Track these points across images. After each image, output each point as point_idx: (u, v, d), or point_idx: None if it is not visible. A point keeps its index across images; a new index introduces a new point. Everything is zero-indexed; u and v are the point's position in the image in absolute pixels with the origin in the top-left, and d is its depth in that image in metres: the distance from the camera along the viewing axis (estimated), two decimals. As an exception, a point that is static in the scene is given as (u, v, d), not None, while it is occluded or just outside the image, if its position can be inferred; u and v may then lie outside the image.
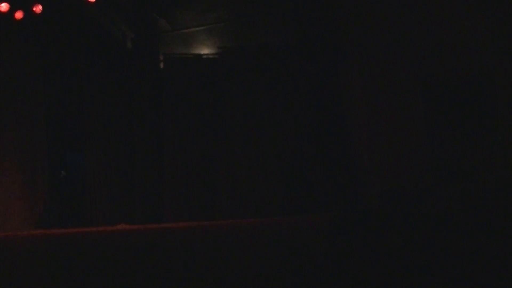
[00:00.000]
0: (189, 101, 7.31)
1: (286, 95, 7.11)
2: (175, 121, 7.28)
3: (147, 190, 7.13)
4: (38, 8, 5.92)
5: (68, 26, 7.29)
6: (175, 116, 7.30)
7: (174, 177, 7.16)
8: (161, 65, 7.61)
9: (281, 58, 7.17)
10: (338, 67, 7.09)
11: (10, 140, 6.90)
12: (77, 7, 6.81)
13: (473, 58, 7.20)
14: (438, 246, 2.67)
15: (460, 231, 2.88)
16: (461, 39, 6.94)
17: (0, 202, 6.75)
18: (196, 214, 7.02)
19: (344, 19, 7.01)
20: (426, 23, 6.78)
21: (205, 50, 8.20)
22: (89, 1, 6.21)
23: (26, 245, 5.73)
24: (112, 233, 6.42)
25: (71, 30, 7.34)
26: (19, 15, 5.93)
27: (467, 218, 3.16)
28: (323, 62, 7.05)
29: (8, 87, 6.85)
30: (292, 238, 4.29)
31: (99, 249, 4.78)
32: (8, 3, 5.73)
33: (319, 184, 6.83)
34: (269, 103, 7.13)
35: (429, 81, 7.26)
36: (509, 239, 2.71)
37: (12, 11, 5.89)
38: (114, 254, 4.09)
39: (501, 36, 6.84)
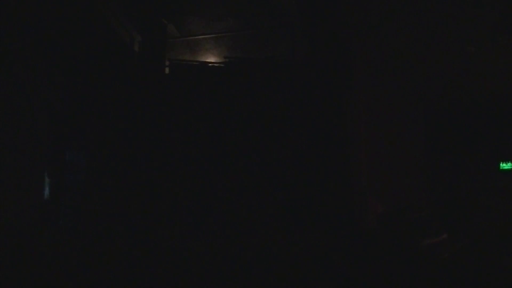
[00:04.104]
0: (192, 107, 7.31)
1: (287, 110, 7.11)
2: (177, 126, 7.27)
3: (146, 195, 7.09)
4: None
5: (75, 24, 7.31)
6: (177, 121, 7.29)
7: (174, 182, 7.14)
8: (167, 70, 7.62)
9: (285, 73, 7.18)
10: (341, 86, 7.10)
11: (10, 138, 6.87)
12: (86, 6, 6.84)
13: (476, 83, 7.24)
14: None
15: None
16: (465, 64, 6.99)
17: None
18: (193, 220, 6.96)
19: (351, 39, 7.05)
20: (431, 48, 6.84)
21: (211, 58, 8.25)
22: None
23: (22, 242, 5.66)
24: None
25: (78, 28, 7.37)
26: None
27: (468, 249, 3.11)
28: (327, 80, 7.07)
29: (10, 83, 6.84)
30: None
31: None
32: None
33: (315, 200, 6.77)
34: (270, 117, 7.12)
35: (431, 104, 7.28)
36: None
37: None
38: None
39: (506, 63, 6.88)
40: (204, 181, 7.18)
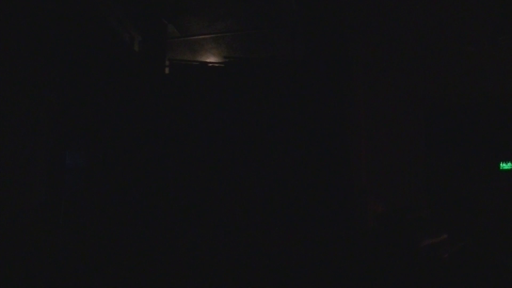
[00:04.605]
0: (192, 107, 7.31)
1: (287, 110, 7.11)
2: (177, 126, 7.28)
3: (145, 194, 7.09)
4: None
5: (75, 24, 7.31)
6: (177, 121, 7.31)
7: (173, 182, 7.14)
8: (167, 70, 7.62)
9: (285, 73, 7.19)
10: (341, 86, 7.10)
11: (10, 138, 6.87)
12: (86, 5, 6.83)
13: (476, 83, 7.24)
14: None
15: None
16: (465, 64, 6.99)
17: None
18: (193, 220, 6.97)
19: (352, 40, 7.06)
20: (431, 48, 6.83)
21: (211, 59, 8.25)
22: None
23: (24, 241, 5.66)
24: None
25: (78, 28, 7.36)
26: None
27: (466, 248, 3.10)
28: (327, 80, 7.07)
29: (10, 83, 6.84)
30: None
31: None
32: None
33: (314, 200, 6.77)
34: (270, 116, 7.13)
35: (431, 104, 7.27)
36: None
37: None
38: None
39: (506, 63, 6.88)
40: (204, 181, 7.19)
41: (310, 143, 6.99)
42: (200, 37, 7.82)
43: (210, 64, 7.54)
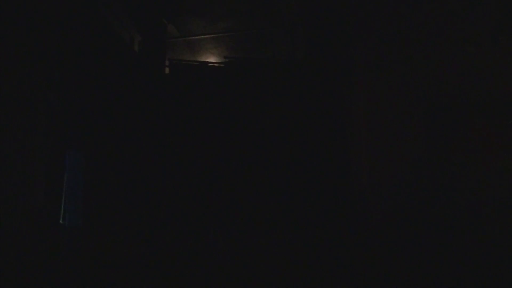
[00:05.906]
0: (192, 107, 7.33)
1: (288, 110, 7.12)
2: (177, 126, 7.29)
3: (146, 195, 7.10)
4: None
5: (75, 24, 7.31)
6: (177, 121, 7.32)
7: (174, 183, 7.15)
8: (167, 70, 7.63)
9: (285, 73, 7.20)
10: (342, 85, 7.12)
11: (9, 137, 6.87)
12: (86, 5, 6.84)
13: (476, 84, 7.25)
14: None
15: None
16: (465, 64, 6.99)
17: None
18: (193, 220, 6.97)
19: (352, 39, 7.06)
20: (431, 47, 6.84)
21: (211, 59, 8.26)
22: None
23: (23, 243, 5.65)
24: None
25: (78, 28, 7.36)
26: None
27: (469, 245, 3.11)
28: (328, 80, 7.07)
29: (9, 83, 6.84)
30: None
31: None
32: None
33: (316, 200, 6.78)
34: (270, 116, 7.13)
35: (432, 103, 7.27)
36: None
37: None
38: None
39: (506, 63, 6.88)
40: (204, 181, 7.19)
41: (311, 143, 7.00)
42: (200, 37, 7.83)
43: (210, 64, 7.54)
